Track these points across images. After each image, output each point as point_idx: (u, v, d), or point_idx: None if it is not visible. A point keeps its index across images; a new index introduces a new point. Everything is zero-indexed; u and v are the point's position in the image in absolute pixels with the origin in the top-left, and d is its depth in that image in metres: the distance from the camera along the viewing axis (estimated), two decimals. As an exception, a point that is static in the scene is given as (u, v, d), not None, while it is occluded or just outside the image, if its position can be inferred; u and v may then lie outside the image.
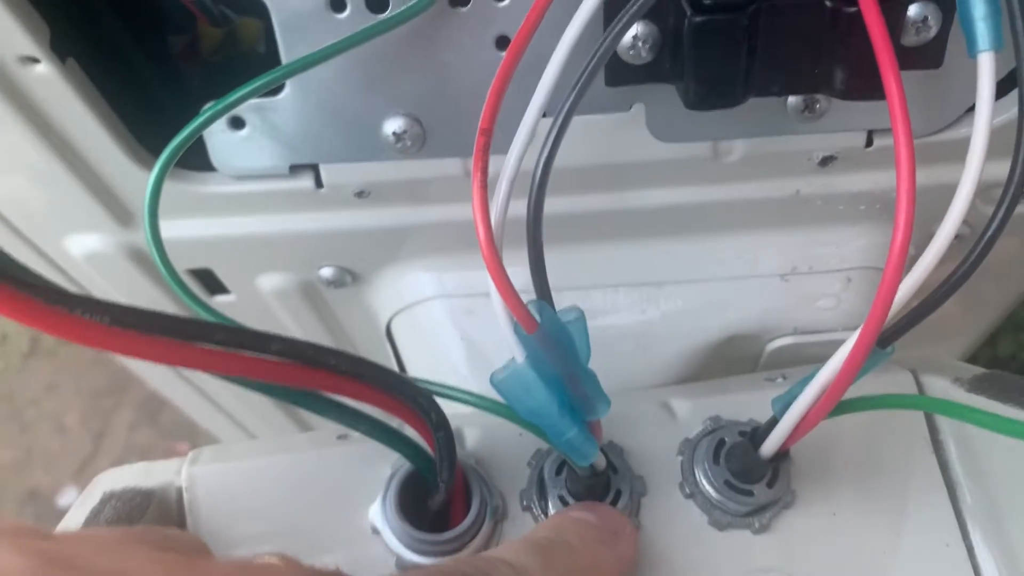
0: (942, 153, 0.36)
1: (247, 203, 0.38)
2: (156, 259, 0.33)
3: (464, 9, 0.32)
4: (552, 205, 0.38)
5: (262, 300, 0.45)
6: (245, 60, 0.41)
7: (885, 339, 0.29)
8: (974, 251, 0.29)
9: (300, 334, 0.49)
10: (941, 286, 0.29)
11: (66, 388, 1.39)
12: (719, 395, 0.36)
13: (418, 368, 0.46)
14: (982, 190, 0.29)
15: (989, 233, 0.28)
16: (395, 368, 0.49)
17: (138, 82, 0.40)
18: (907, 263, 0.28)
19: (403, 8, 0.31)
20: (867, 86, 0.29)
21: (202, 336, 0.21)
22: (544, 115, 0.29)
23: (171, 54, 0.40)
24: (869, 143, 0.35)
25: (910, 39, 0.30)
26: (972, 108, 0.28)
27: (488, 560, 0.25)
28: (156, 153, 0.35)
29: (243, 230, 0.40)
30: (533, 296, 0.28)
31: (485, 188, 0.26)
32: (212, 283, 0.45)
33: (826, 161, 0.36)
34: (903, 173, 0.26)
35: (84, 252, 0.42)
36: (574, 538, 0.29)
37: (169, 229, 0.39)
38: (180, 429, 1.30)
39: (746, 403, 0.35)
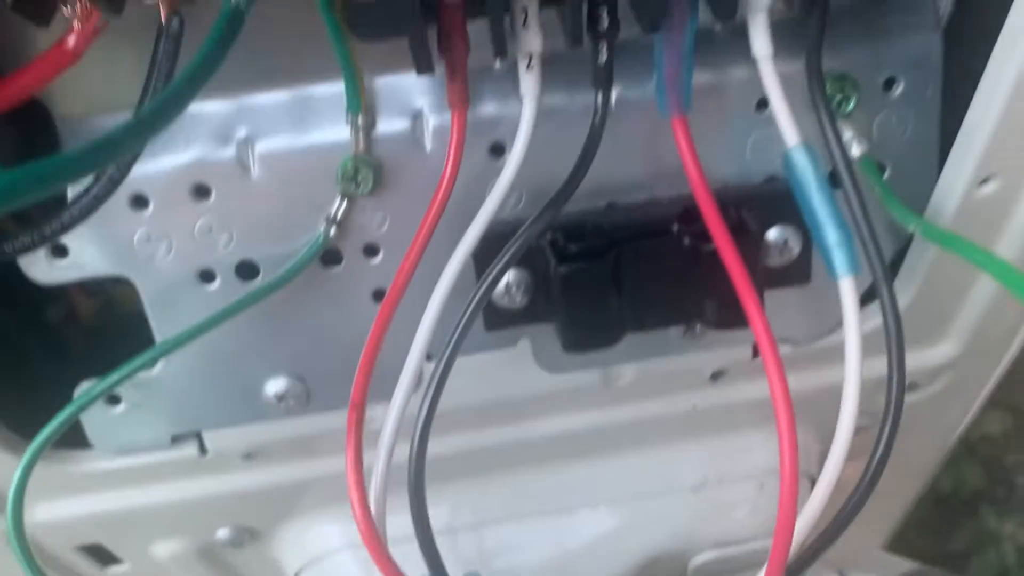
0: (832, 355, 0.37)
1: (131, 476, 0.36)
2: (18, 555, 0.31)
3: (338, 268, 0.32)
4: (451, 443, 0.38)
5: (159, 567, 0.43)
6: (126, 321, 0.40)
7: (793, 571, 0.28)
8: (870, 466, 0.29)
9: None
10: (848, 501, 0.29)
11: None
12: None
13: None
14: (874, 385, 0.30)
15: (883, 445, 0.28)
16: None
17: (12, 356, 0.39)
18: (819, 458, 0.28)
19: (275, 276, 0.31)
20: (736, 317, 0.29)
21: None
22: (429, 358, 0.29)
23: (48, 324, 0.39)
24: (756, 354, 0.36)
25: (775, 261, 0.31)
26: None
27: None
28: (30, 435, 0.33)
29: (129, 503, 0.38)
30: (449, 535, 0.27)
31: (360, 471, 0.25)
32: (104, 555, 0.43)
33: (717, 375, 0.36)
34: (780, 409, 0.26)
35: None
36: None
37: (49, 511, 0.38)
38: None
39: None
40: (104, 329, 0.39)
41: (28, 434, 0.35)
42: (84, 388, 0.34)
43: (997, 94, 0.27)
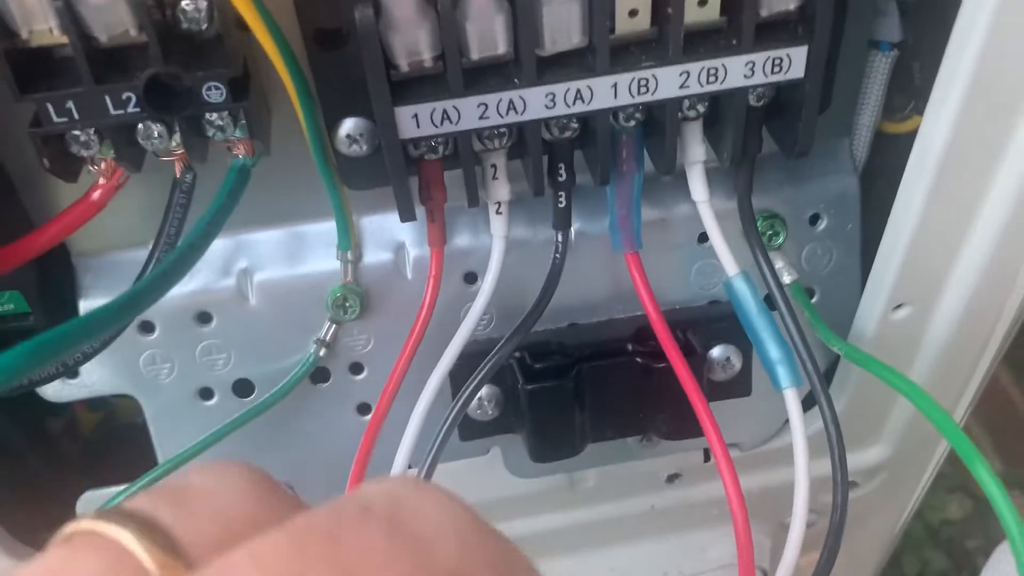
0: (779, 456, 0.40)
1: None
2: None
3: (325, 385, 0.35)
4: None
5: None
6: (124, 434, 0.43)
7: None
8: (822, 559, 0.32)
9: None
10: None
11: None
12: None
13: None
14: (818, 484, 0.33)
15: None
16: None
17: (16, 464, 0.41)
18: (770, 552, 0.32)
19: (270, 393, 0.34)
20: (686, 429, 0.33)
21: None
22: (410, 467, 0.32)
23: (49, 436, 0.42)
24: (707, 458, 0.39)
25: (718, 375, 0.35)
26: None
27: None
28: (31, 541, 0.36)
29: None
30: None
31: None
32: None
33: (672, 478, 0.39)
34: (735, 508, 0.29)
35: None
36: None
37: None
38: None
39: None
40: (104, 439, 0.42)
41: (30, 540, 0.37)
42: (86, 498, 0.36)
43: (903, 229, 0.31)
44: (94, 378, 0.34)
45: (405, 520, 0.14)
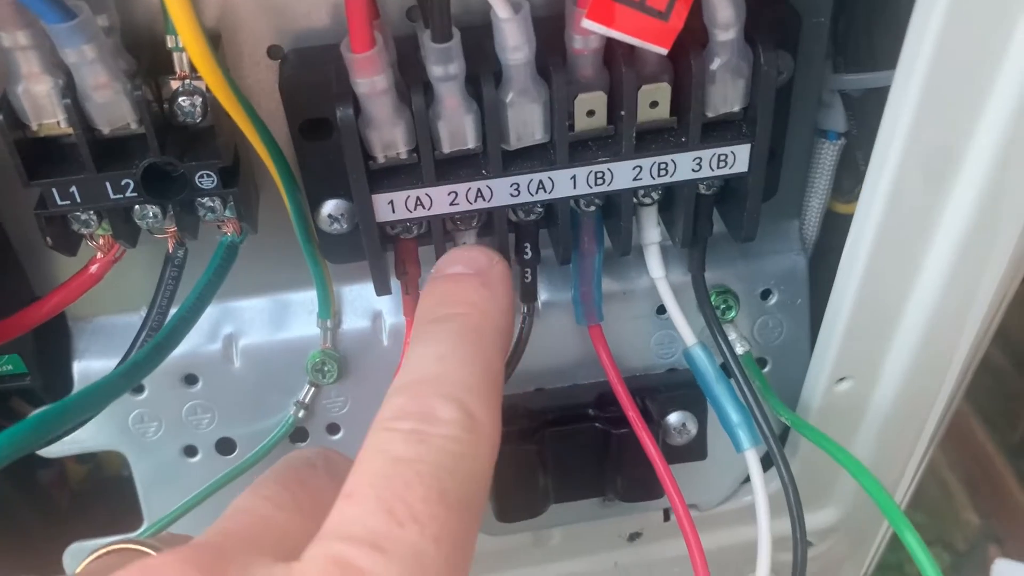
0: (737, 516, 0.42)
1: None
2: None
3: (303, 444, 0.37)
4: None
5: None
6: (110, 486, 0.44)
7: None
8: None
9: None
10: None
11: None
12: None
13: None
14: (778, 542, 0.35)
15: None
16: None
17: (4, 517, 0.43)
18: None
19: (252, 453, 0.36)
20: (644, 492, 0.35)
21: None
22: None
23: (39, 487, 0.44)
24: (667, 518, 0.41)
25: (675, 440, 0.37)
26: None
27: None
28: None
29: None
30: None
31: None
32: None
33: (634, 536, 0.41)
34: (697, 565, 0.31)
35: None
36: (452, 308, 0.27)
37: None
38: None
39: None
40: (92, 490, 0.44)
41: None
42: (73, 550, 0.38)
43: (843, 306, 0.33)
44: (85, 435, 0.36)
45: None
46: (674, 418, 0.37)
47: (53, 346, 0.34)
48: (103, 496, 0.43)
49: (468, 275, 0.28)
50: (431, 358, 0.24)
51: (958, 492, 1.27)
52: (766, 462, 0.35)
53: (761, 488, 0.34)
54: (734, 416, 0.35)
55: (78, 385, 0.35)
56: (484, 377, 0.24)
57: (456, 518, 0.20)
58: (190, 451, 0.37)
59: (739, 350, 0.36)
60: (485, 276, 0.28)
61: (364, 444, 0.22)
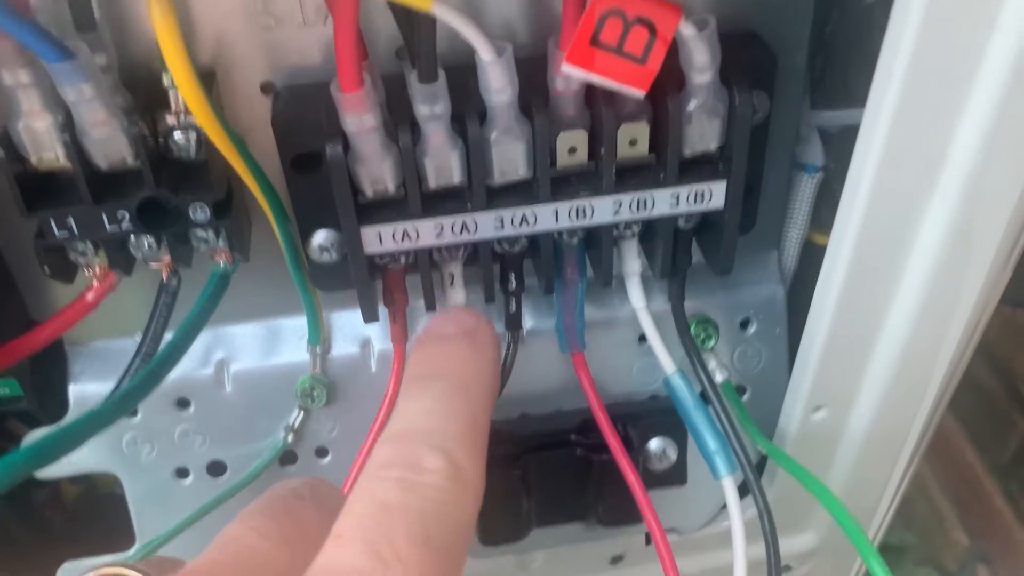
0: (718, 540, 0.43)
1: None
2: None
3: (293, 467, 0.38)
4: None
5: None
6: (104, 505, 0.45)
7: None
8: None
9: None
10: None
11: None
12: None
13: None
14: (753, 567, 0.36)
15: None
16: None
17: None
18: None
19: (243, 476, 0.37)
20: (624, 517, 0.35)
21: None
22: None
23: (33, 506, 0.44)
24: (648, 541, 0.42)
25: (655, 466, 0.38)
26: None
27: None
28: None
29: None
30: None
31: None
32: None
33: (616, 560, 0.42)
34: None
35: None
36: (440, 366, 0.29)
37: None
38: None
39: None
40: (85, 510, 0.44)
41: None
42: (66, 569, 0.39)
43: (817, 336, 0.34)
44: (80, 456, 0.37)
45: None
46: (655, 444, 0.38)
47: (49, 370, 0.35)
48: (96, 515, 0.44)
49: (456, 335, 0.30)
50: (419, 412, 0.26)
51: (948, 513, 1.27)
52: (745, 488, 0.36)
53: (737, 515, 0.35)
54: (712, 444, 0.35)
55: (73, 407, 0.36)
56: (470, 430, 0.26)
57: (440, 563, 0.22)
58: (182, 473, 0.37)
59: (718, 378, 0.37)
60: (473, 336, 0.30)
61: (354, 489, 0.23)
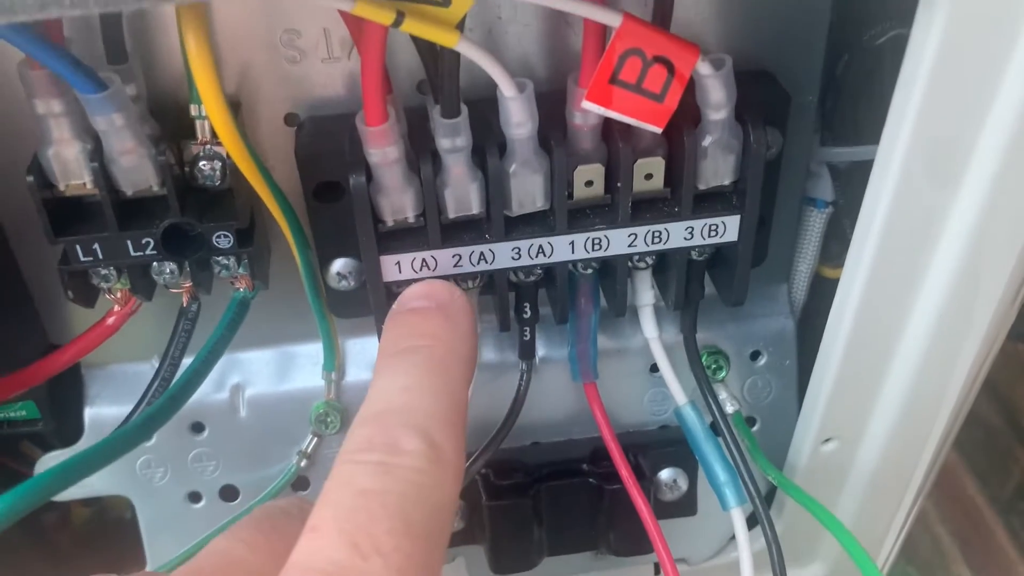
0: (727, 570, 0.43)
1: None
2: None
3: (305, 493, 0.38)
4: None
5: None
6: (113, 528, 0.45)
7: None
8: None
9: None
10: None
11: None
12: None
13: None
14: None
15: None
16: None
17: (8, 559, 0.43)
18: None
19: (255, 501, 0.37)
20: (634, 547, 0.36)
21: None
22: None
23: (43, 528, 0.44)
24: (657, 571, 0.42)
25: (666, 496, 0.38)
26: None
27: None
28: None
29: None
30: None
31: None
32: None
33: (625, 589, 0.42)
34: None
35: None
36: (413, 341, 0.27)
37: None
38: None
39: None
40: (95, 532, 0.44)
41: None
42: (77, 591, 0.39)
43: (828, 369, 0.35)
44: (94, 479, 0.36)
45: None
46: (665, 474, 0.38)
47: (66, 393, 0.35)
48: (105, 540, 0.44)
49: (430, 308, 0.28)
50: (396, 389, 0.25)
51: (950, 547, 1.27)
52: (754, 519, 0.36)
53: (746, 547, 0.35)
54: (721, 475, 0.36)
55: (88, 430, 0.36)
56: (449, 407, 0.24)
57: (421, 549, 0.21)
58: (195, 497, 0.38)
59: (729, 409, 0.38)
60: (447, 308, 0.28)
61: (330, 476, 0.22)
